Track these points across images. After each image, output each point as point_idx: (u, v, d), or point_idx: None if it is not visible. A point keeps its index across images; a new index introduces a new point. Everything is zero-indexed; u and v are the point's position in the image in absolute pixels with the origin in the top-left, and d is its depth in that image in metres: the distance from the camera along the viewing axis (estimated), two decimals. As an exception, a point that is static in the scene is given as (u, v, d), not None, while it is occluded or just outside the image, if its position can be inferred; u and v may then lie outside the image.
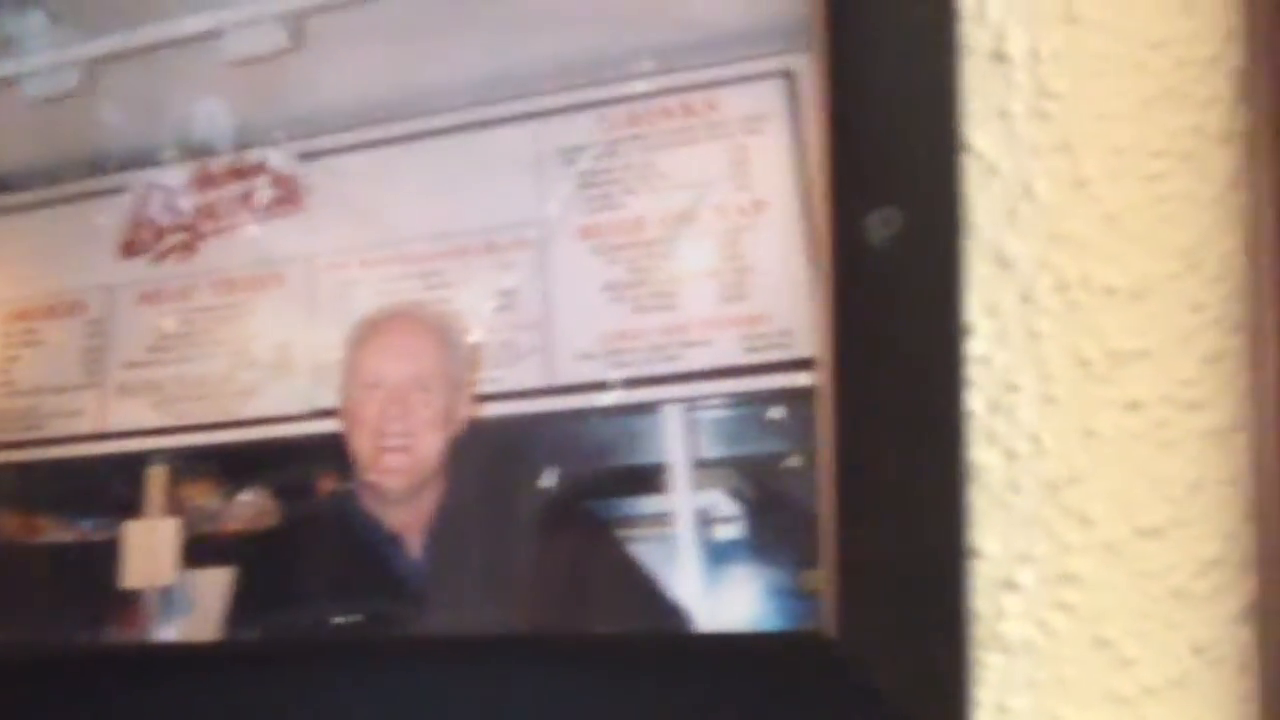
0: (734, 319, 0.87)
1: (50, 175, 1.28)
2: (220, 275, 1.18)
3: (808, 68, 0.80)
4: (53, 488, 1.29)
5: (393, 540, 1.25)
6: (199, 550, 1.25)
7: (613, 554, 0.88)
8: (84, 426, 1.24)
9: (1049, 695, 0.73)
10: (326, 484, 1.23)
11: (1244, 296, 0.76)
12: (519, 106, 0.91)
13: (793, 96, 0.83)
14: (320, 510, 1.22)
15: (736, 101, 0.86)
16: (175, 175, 1.21)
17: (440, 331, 1.22)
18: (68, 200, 1.28)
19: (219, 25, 1.17)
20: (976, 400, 0.76)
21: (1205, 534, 0.74)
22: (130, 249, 1.23)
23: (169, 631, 1.15)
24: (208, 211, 1.11)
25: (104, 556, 1.22)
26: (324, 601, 1.01)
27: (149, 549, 1.20)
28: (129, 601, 1.23)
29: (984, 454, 0.75)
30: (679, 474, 0.88)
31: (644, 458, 0.89)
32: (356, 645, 0.83)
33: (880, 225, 0.78)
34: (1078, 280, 0.76)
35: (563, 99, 0.89)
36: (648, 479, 0.89)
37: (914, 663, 0.71)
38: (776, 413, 0.83)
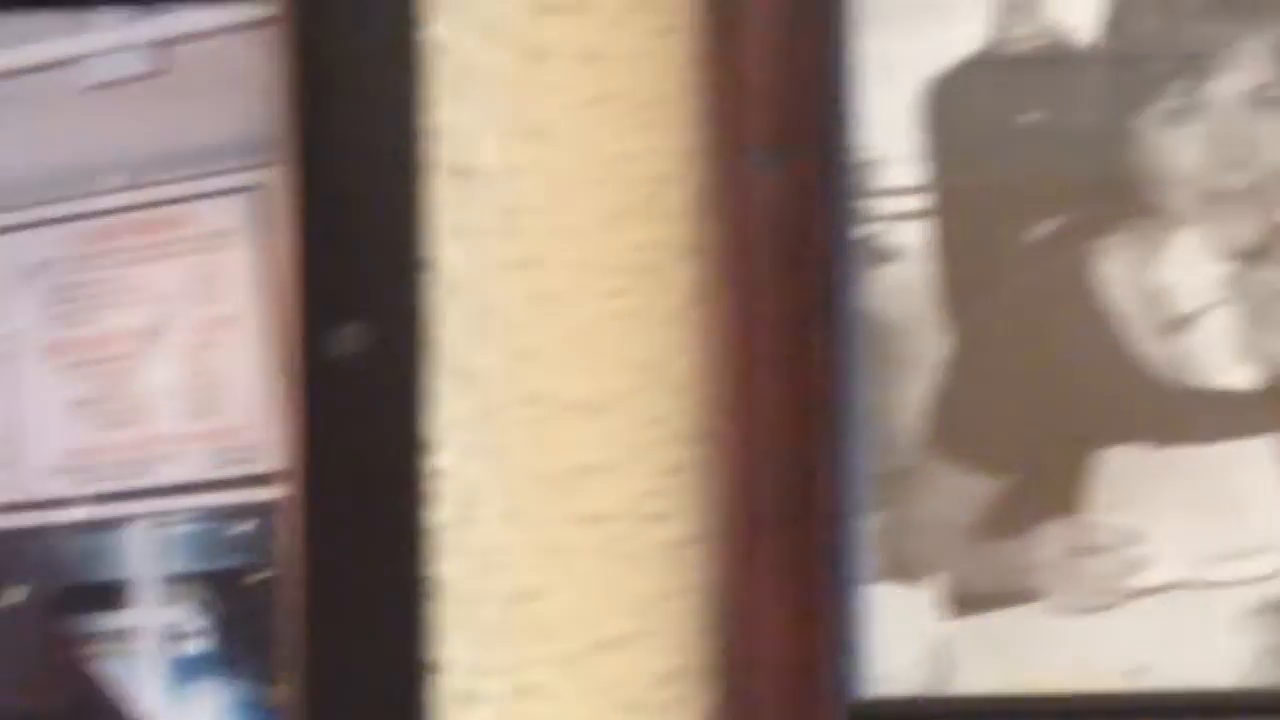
0: (203, 434, 0.89)
1: None
2: None
3: (277, 182, 0.82)
4: None
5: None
6: None
7: (79, 670, 0.89)
8: None
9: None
10: None
11: (703, 409, 0.80)
12: (-14, 221, 0.92)
13: (262, 211, 0.85)
14: None
15: (208, 216, 0.88)
16: None
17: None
18: None
19: None
20: (441, 514, 0.81)
21: (665, 646, 0.80)
22: None
23: None
24: None
25: None
26: None
27: None
28: None
29: (448, 567, 0.80)
30: (147, 589, 0.90)
31: (112, 573, 0.91)
32: None
33: (347, 340, 0.81)
34: (541, 395, 0.82)
35: (32, 214, 0.90)
36: (116, 594, 0.91)
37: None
38: (245, 527, 0.85)
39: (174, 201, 0.90)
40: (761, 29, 0.77)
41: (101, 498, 0.85)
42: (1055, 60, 0.85)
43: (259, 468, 0.79)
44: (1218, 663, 0.83)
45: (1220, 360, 0.83)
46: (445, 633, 0.77)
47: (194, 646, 0.82)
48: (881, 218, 0.84)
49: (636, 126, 0.78)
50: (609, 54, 0.77)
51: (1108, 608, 0.84)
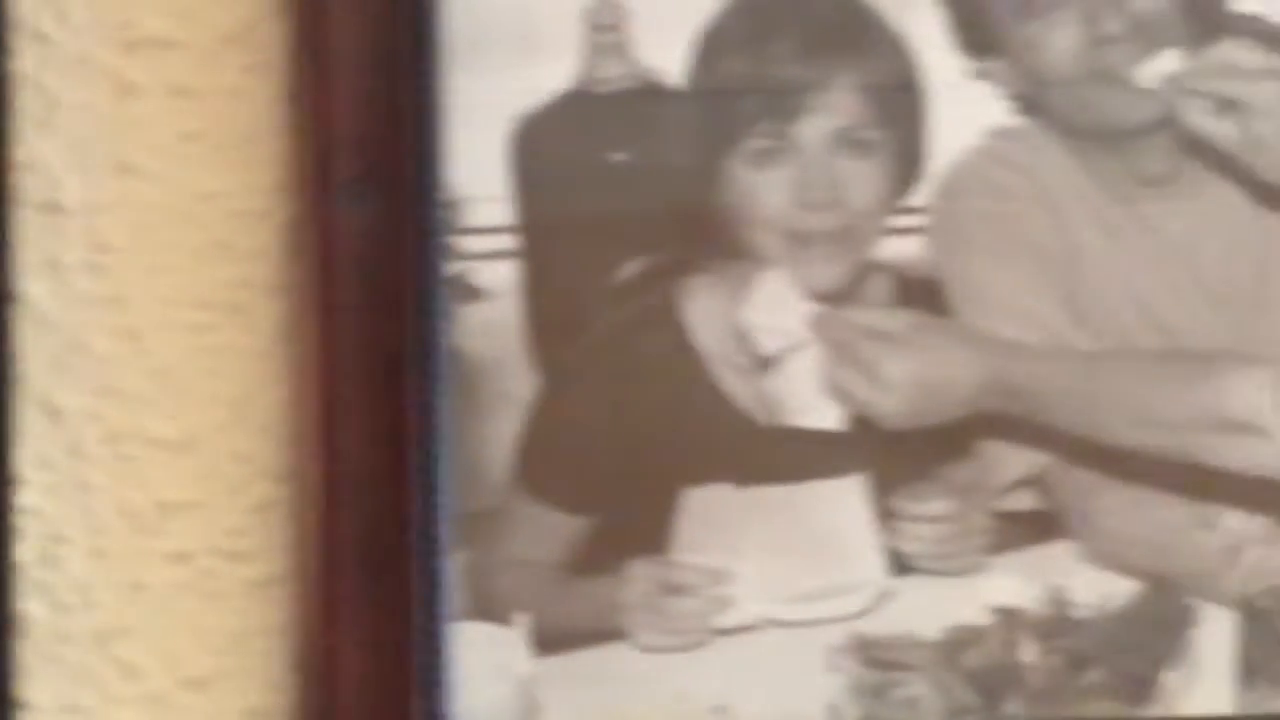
0: None
1: None
2: None
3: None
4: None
5: None
6: None
7: None
8: None
9: None
10: None
11: (290, 447, 1.16)
12: None
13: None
14: None
15: None
16: None
17: None
18: None
19: None
20: (25, 552, 1.14)
21: (250, 685, 1.16)
22: None
23: None
24: None
25: None
26: None
27: None
28: None
29: (33, 605, 1.14)
30: None
31: None
32: None
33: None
34: (127, 432, 1.15)
35: None
36: None
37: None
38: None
39: None
40: (348, 67, 1.19)
41: None
42: (644, 99, 1.30)
43: None
44: (803, 701, 1.30)
45: (805, 400, 1.29)
46: (30, 672, 1.03)
47: None
48: (470, 256, 1.26)
49: (226, 163, 1.13)
50: (199, 90, 1.17)
51: (694, 646, 1.33)
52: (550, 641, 1.33)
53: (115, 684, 1.21)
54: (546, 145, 1.33)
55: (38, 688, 1.19)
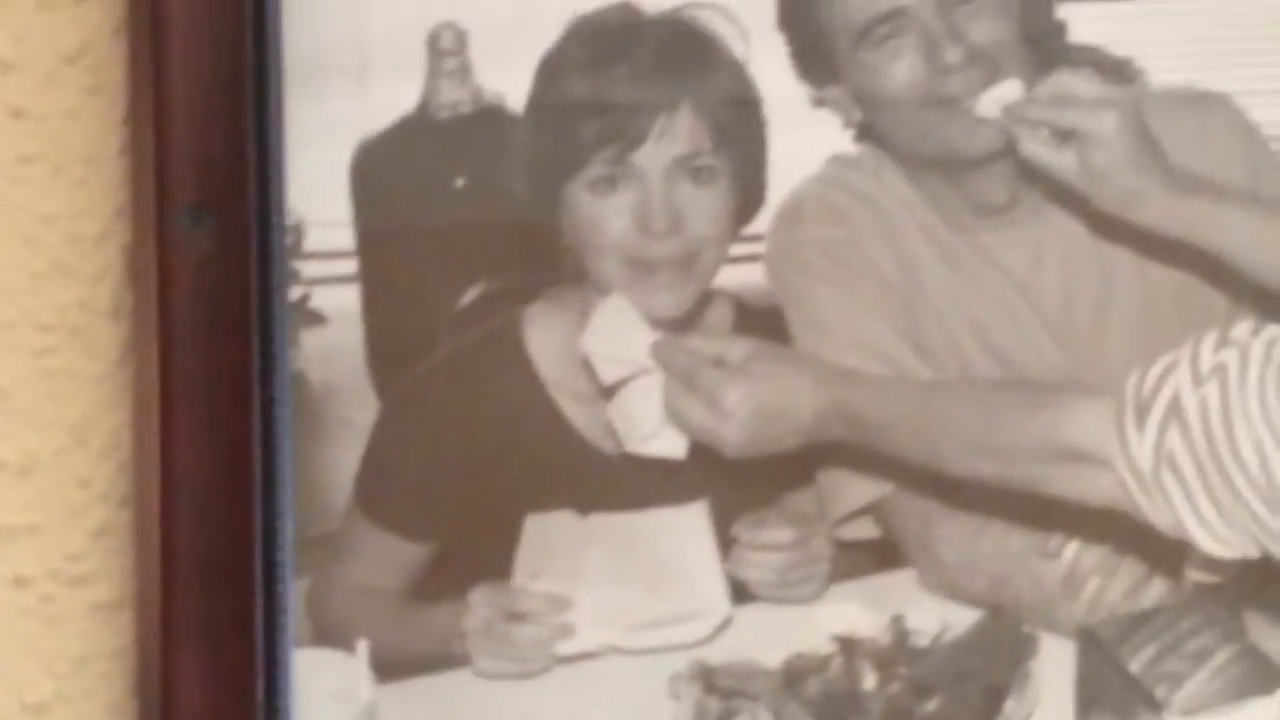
0: None
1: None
2: None
3: None
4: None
5: None
6: None
7: None
8: None
9: None
10: None
11: (131, 471, 1.21)
12: None
13: None
14: None
15: None
16: None
17: None
18: None
19: None
20: None
21: (90, 710, 1.21)
22: None
23: None
24: None
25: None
26: None
27: None
28: None
29: None
30: None
31: None
32: None
33: None
34: None
35: None
36: None
37: None
38: None
39: None
40: (188, 90, 1.25)
41: None
42: (486, 124, 1.38)
43: None
44: (646, 726, 1.14)
45: (647, 428, 1.38)
46: None
47: None
48: (312, 281, 1.34)
49: (65, 186, 1.14)
50: (38, 112, 1.22)
51: (536, 674, 1.42)
52: (392, 668, 1.42)
53: None
54: (388, 170, 1.42)
55: None
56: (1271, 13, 1.41)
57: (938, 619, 1.44)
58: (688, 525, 1.48)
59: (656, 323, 1.43)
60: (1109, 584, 1.47)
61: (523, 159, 1.45)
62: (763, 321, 1.46)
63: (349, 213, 1.41)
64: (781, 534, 1.50)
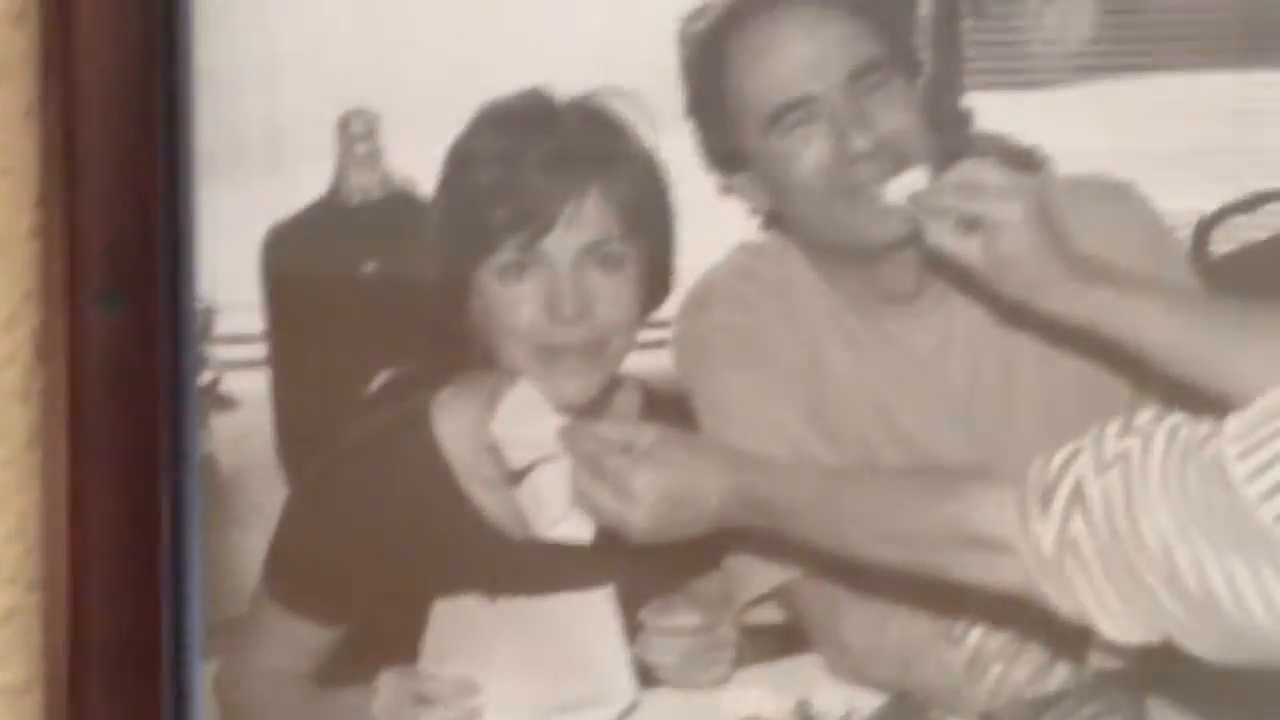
0: None
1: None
2: None
3: None
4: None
5: None
6: None
7: None
8: None
9: None
10: None
11: (39, 555, 1.25)
12: None
13: None
14: None
15: None
16: None
17: None
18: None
19: None
20: None
21: None
22: None
23: None
24: None
25: None
26: None
27: None
28: None
29: None
30: None
31: None
32: None
33: None
34: None
35: None
36: None
37: None
38: None
39: None
40: (100, 174, 1.29)
41: None
42: (395, 209, 1.43)
43: None
44: (550, 807, 1.16)
45: (554, 513, 1.40)
46: None
47: None
48: (221, 365, 1.37)
49: None
50: None
51: None
52: (296, 751, 1.17)
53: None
54: (299, 254, 1.46)
55: None
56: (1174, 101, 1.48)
57: (844, 703, 1.47)
58: (595, 610, 1.51)
59: (565, 408, 1.45)
60: (1012, 669, 1.48)
61: (432, 244, 1.49)
62: (670, 407, 1.49)
63: (259, 296, 1.45)
64: (688, 619, 1.52)
